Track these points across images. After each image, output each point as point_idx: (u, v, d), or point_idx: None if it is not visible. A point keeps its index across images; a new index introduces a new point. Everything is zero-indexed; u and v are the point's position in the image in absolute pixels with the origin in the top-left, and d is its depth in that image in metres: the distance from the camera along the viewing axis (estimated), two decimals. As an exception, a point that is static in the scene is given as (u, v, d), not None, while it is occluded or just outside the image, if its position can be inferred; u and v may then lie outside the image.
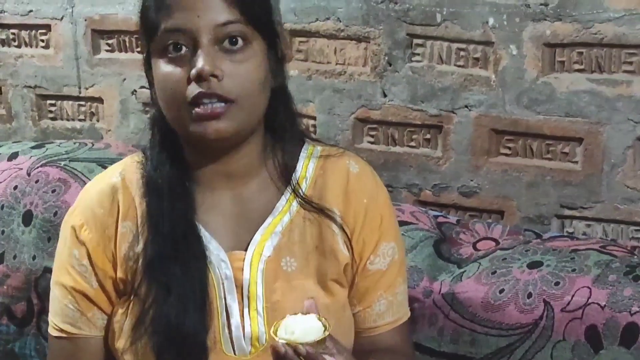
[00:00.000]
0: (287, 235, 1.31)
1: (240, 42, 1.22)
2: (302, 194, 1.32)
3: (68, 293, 1.34)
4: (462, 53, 1.94)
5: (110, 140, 2.32)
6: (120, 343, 1.31)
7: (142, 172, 1.34)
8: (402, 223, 1.72)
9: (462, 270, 1.63)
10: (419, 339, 1.58)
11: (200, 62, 1.19)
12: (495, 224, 1.78)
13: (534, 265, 1.56)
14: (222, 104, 1.21)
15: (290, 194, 1.33)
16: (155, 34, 1.24)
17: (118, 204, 1.33)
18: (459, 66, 1.95)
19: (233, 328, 1.29)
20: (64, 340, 1.36)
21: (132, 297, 1.31)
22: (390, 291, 1.37)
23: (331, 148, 1.40)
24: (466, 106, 1.96)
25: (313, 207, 1.32)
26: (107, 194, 1.34)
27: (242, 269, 1.30)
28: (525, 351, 1.49)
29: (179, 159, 1.31)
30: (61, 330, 1.36)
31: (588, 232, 1.89)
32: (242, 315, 1.29)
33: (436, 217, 1.81)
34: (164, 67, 1.23)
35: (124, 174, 1.35)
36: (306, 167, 1.36)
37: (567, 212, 1.91)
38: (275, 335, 1.16)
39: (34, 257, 1.88)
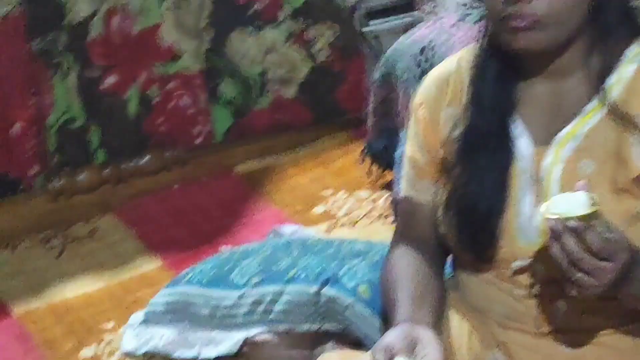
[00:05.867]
0: (590, 137, 1.32)
1: None
2: (610, 102, 1.31)
3: (409, 160, 1.49)
4: None
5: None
6: (438, 214, 1.44)
7: (474, 62, 1.42)
8: None
9: None
10: None
11: None
12: None
13: None
14: (530, 21, 1.27)
15: (601, 97, 1.33)
16: None
17: (448, 90, 1.44)
18: None
19: (523, 218, 1.34)
20: (406, 202, 1.50)
21: (448, 175, 1.42)
22: None
23: None
24: None
25: (617, 115, 1.31)
26: (443, 80, 1.45)
27: (542, 165, 1.34)
28: None
29: (504, 53, 1.36)
30: (405, 191, 1.51)
31: None
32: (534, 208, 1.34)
33: None
34: None
35: (460, 62, 1.44)
36: (625, 70, 1.33)
37: None
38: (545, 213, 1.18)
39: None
